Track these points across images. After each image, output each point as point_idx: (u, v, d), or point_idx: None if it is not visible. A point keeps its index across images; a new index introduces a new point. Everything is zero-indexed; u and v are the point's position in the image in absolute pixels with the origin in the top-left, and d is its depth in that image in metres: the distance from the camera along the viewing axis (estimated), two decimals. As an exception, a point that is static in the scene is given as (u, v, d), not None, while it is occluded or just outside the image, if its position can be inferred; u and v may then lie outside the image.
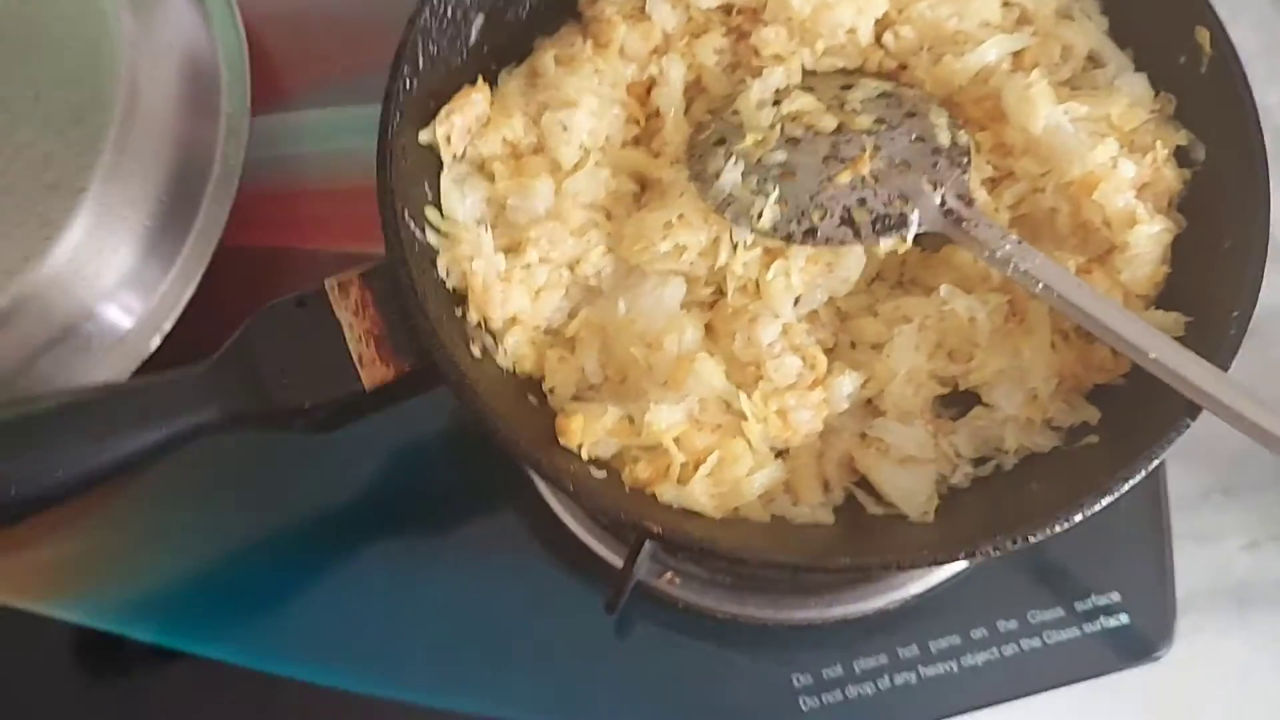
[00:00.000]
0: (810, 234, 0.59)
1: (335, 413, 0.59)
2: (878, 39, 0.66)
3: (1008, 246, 0.58)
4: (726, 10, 0.67)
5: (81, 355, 0.68)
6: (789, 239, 0.59)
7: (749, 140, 0.62)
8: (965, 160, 0.61)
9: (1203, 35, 0.62)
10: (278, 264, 0.77)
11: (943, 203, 0.59)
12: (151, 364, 0.69)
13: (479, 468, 0.73)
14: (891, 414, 0.60)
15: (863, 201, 0.60)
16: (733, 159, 0.62)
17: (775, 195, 0.60)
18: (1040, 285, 0.57)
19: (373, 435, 0.65)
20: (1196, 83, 0.62)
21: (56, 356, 0.67)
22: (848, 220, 0.59)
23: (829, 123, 0.63)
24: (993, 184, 0.63)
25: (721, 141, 0.63)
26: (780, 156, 0.62)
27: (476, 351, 0.60)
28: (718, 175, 0.61)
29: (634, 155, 0.65)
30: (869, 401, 0.61)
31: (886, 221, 0.59)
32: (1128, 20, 0.66)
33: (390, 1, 0.79)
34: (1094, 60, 0.66)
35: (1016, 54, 0.65)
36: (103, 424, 0.56)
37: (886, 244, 0.60)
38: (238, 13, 0.76)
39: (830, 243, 0.59)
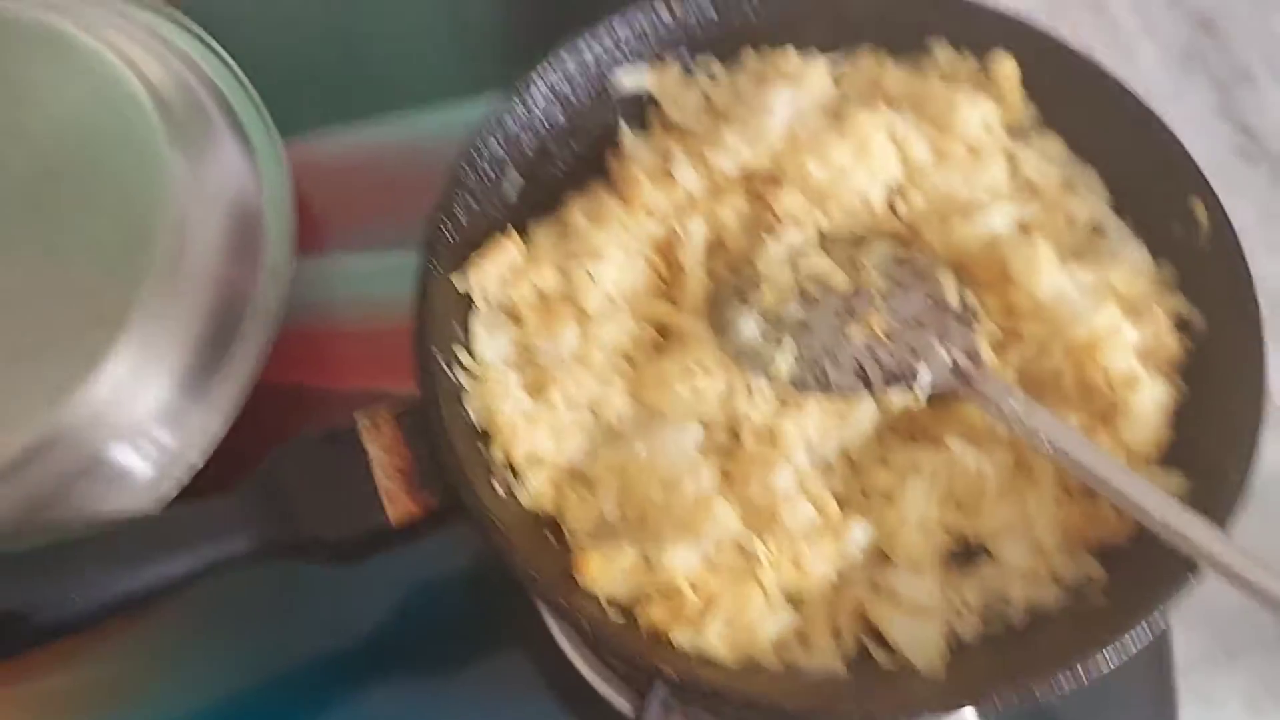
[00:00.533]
0: (824, 385, 0.61)
1: (359, 546, 0.60)
2: (890, 205, 0.69)
3: (1015, 404, 0.60)
4: (746, 175, 0.70)
5: (111, 486, 0.69)
6: (804, 389, 0.62)
7: (767, 295, 0.65)
8: (973, 321, 0.64)
9: (1199, 207, 0.65)
10: (307, 402, 0.79)
11: (952, 361, 0.62)
12: (180, 498, 0.70)
13: (490, 606, 0.74)
14: (902, 564, 0.61)
15: (875, 356, 0.62)
16: (751, 312, 0.64)
17: (791, 347, 0.62)
18: (1046, 442, 0.59)
19: (385, 569, 0.65)
20: (1194, 253, 0.65)
21: (88, 487, 0.68)
22: (861, 373, 0.62)
23: (843, 281, 0.66)
24: (1000, 344, 0.65)
25: (740, 296, 0.66)
26: (796, 311, 0.64)
27: (500, 490, 0.61)
28: (736, 327, 0.64)
29: (656, 305, 0.68)
30: (880, 551, 0.62)
31: (898, 376, 0.61)
32: (1128, 192, 0.69)
33: (426, 155, 0.84)
34: (1096, 229, 0.69)
35: (1023, 222, 0.68)
36: (129, 552, 0.58)
37: (898, 397, 0.62)
38: (285, 160, 0.79)
39: (843, 393, 0.61)
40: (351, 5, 0.98)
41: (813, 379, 0.62)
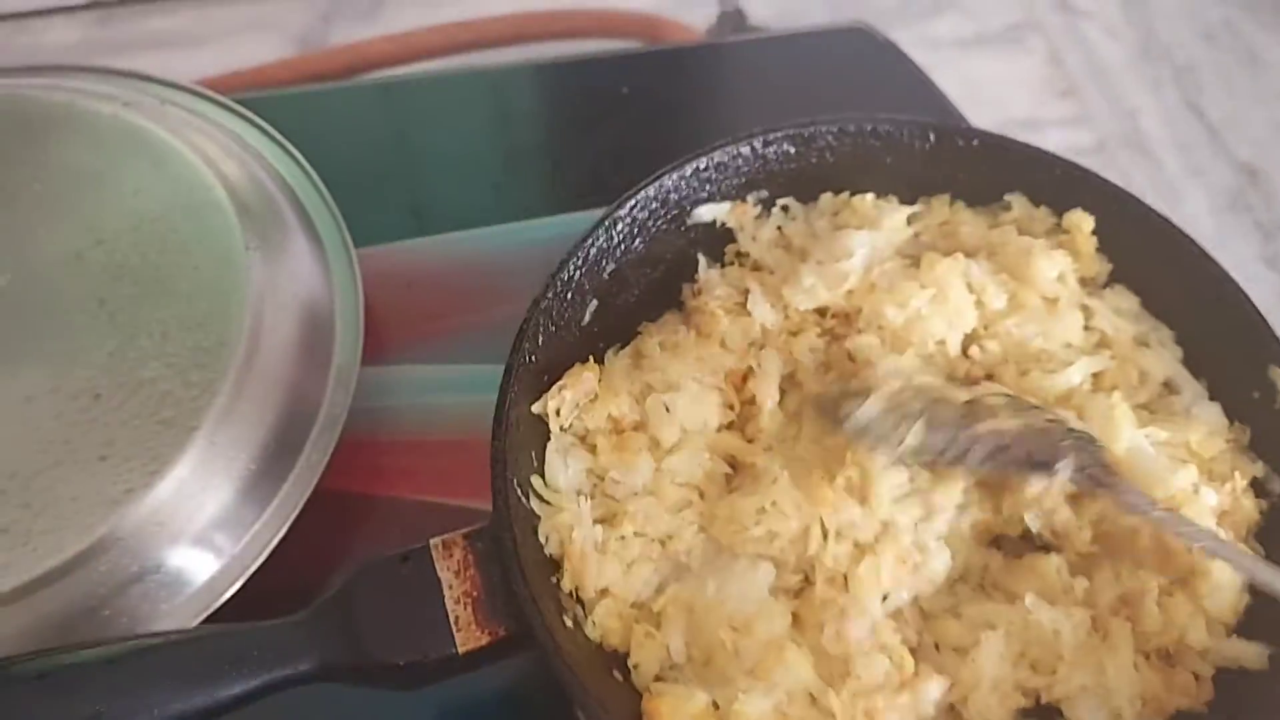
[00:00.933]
0: (958, 460, 0.61)
1: (425, 673, 0.59)
2: (964, 351, 0.69)
3: (1156, 513, 0.59)
4: (821, 313, 0.71)
5: (165, 590, 0.67)
6: (934, 464, 0.61)
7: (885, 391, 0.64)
8: (1095, 440, 0.63)
9: (1276, 374, 0.65)
10: (363, 511, 0.78)
11: (1082, 466, 0.61)
12: (231, 604, 0.68)
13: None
14: (977, 723, 0.60)
15: (1005, 448, 0.61)
16: (871, 398, 0.63)
17: (921, 422, 0.62)
18: (1197, 545, 0.58)
19: (432, 690, 0.64)
20: (1270, 417, 0.65)
21: (143, 589, 0.66)
22: (992, 457, 0.61)
23: (961, 395, 0.65)
24: (1075, 498, 0.64)
25: (855, 396, 0.65)
26: (917, 405, 0.63)
27: (569, 621, 0.60)
28: (858, 411, 0.63)
29: (729, 439, 0.68)
30: (951, 707, 0.61)
31: (1038, 460, 0.61)
32: (1202, 353, 0.69)
33: (491, 273, 0.85)
34: (1169, 387, 0.69)
35: (1096, 374, 0.68)
36: (201, 667, 0.56)
37: (1037, 484, 0.61)
38: (358, 270, 0.80)
39: (980, 468, 0.61)
40: (418, 129, 1.01)
41: (944, 456, 0.61)
